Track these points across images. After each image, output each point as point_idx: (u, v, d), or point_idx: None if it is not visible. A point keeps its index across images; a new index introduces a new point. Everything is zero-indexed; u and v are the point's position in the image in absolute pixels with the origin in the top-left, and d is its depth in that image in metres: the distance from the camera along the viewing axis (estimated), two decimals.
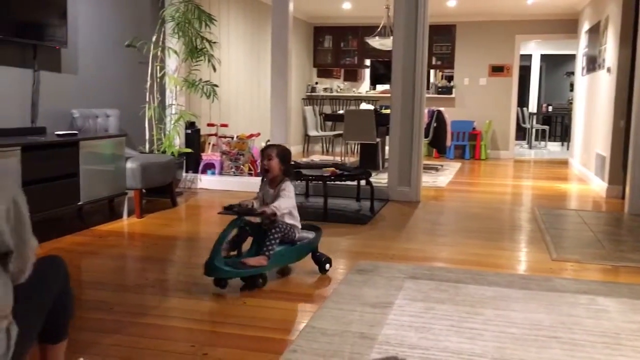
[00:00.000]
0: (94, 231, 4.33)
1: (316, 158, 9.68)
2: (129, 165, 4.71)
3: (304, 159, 9.29)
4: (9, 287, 1.52)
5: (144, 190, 4.92)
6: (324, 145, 11.03)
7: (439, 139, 8.53)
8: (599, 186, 6.63)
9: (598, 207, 5.73)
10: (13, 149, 3.60)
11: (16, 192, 1.60)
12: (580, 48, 9.09)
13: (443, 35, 10.40)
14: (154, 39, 5.63)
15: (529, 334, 2.48)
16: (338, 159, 8.98)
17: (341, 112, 9.62)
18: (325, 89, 11.39)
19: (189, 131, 6.35)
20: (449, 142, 8.97)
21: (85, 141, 4.29)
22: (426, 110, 8.16)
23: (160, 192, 5.31)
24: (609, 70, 6.51)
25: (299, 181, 5.52)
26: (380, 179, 6.53)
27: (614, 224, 4.90)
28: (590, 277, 3.36)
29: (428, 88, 10.34)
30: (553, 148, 13.11)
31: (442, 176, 7.68)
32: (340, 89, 11.73)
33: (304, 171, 5.22)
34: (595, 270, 3.52)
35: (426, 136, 8.19)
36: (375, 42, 8.72)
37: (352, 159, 9.24)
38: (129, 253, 3.86)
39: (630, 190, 5.32)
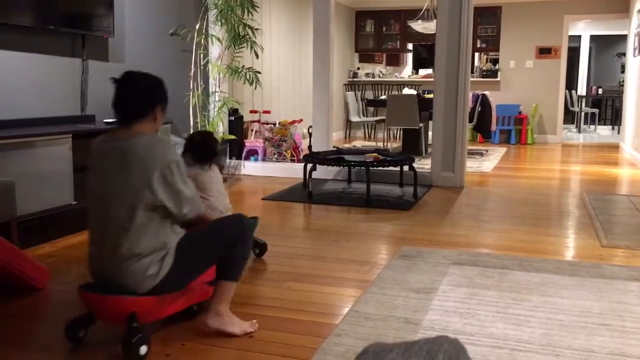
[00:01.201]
0: None
1: (358, 144, 9.65)
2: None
3: (346, 145, 9.27)
4: (161, 231, 2.11)
5: None
6: (366, 131, 10.98)
7: (483, 124, 8.38)
8: None
9: None
10: (65, 137, 3.72)
11: (169, 158, 2.09)
12: (632, 28, 8.74)
13: (488, 17, 10.16)
14: (197, 27, 5.70)
15: (578, 320, 2.43)
16: (380, 144, 8.93)
17: (383, 97, 9.55)
18: (367, 74, 11.31)
19: (232, 118, 6.42)
20: (494, 127, 8.80)
21: None
22: (470, 94, 8.02)
23: None
24: None
25: (341, 167, 5.51)
26: (423, 165, 6.47)
27: None
28: None
29: (472, 71, 10.13)
30: (603, 132, 12.70)
31: (487, 161, 7.55)
32: (382, 74, 11.62)
33: (347, 157, 5.21)
34: None
35: (470, 121, 8.06)
36: (418, 26, 8.60)
37: (395, 145, 9.18)
38: None
39: None
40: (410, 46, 11.90)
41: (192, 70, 5.70)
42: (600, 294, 2.74)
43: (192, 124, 5.76)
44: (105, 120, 4.34)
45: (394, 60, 12.21)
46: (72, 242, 3.70)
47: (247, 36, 5.79)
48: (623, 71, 11.56)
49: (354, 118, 10.32)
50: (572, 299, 2.69)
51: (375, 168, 5.00)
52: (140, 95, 2.20)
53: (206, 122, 5.86)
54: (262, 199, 5.10)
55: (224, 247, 2.24)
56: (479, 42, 10.29)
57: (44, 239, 3.70)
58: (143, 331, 2.11)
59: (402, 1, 10.37)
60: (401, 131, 8.69)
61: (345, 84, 10.94)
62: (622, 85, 10.58)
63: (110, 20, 4.68)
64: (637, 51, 8.15)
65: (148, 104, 2.19)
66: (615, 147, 9.46)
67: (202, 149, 3.01)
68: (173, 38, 5.57)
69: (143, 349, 2.09)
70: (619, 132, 10.68)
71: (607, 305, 2.61)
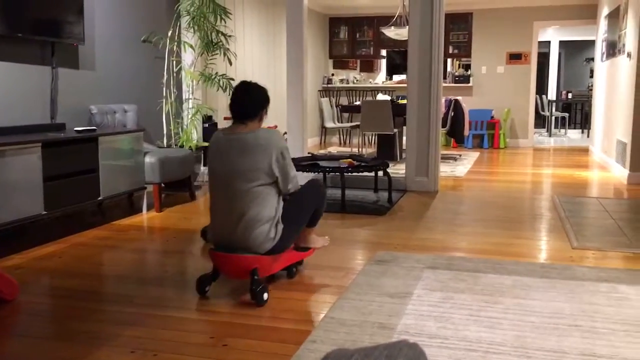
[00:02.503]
0: (114, 225, 4.38)
1: (333, 150, 9.67)
2: (148, 159, 4.76)
3: (321, 151, 9.29)
4: (273, 202, 2.74)
5: (162, 185, 4.97)
6: (341, 136, 11.02)
7: (456, 129, 8.47)
8: (620, 173, 6.54)
9: (619, 194, 5.66)
10: (34, 146, 3.65)
11: (282, 145, 2.75)
12: (600, 33, 8.94)
13: (459, 24, 10.30)
14: (169, 33, 5.66)
15: (549, 322, 2.47)
16: (355, 150, 8.97)
17: (358, 103, 9.59)
18: (341, 80, 11.36)
19: (207, 125, 6.38)
20: (466, 132, 8.90)
21: (104, 137, 4.34)
22: (443, 100, 8.09)
23: (179, 186, 5.36)
24: (629, 55, 6.40)
25: (316, 172, 5.52)
26: (398, 170, 6.51)
27: (636, 211, 4.83)
28: (612, 265, 3.32)
29: (445, 77, 10.25)
30: (573, 135, 12.93)
31: (461, 166, 7.63)
32: (357, 80, 11.68)
33: (321, 163, 5.22)
34: (616, 258, 3.48)
35: (444, 126, 8.13)
36: (391, 32, 8.67)
37: (370, 150, 9.22)
38: (149, 246, 3.90)
39: None
40: (383, 52, 11.98)
41: (165, 77, 5.66)
42: (571, 296, 2.79)
43: (165, 131, 5.71)
44: (75, 129, 4.28)
45: (368, 67, 12.29)
46: (42, 253, 3.64)
47: (220, 43, 5.77)
48: (592, 76, 11.80)
49: (329, 124, 10.34)
50: (544, 300, 2.72)
51: (349, 174, 5.02)
52: (253, 102, 2.81)
53: (180, 130, 5.82)
54: None
55: (314, 208, 2.97)
56: (451, 48, 10.41)
57: (13, 250, 3.63)
58: (264, 284, 2.73)
59: (375, 8, 10.46)
60: (376, 137, 8.74)
61: (319, 90, 10.97)
62: (591, 90, 10.80)
63: (81, 28, 4.63)
64: (604, 56, 8.33)
65: (258, 108, 2.82)
66: (585, 151, 9.64)
67: None
68: (145, 45, 5.53)
69: (265, 296, 2.72)
70: (588, 136, 10.89)
71: (578, 306, 2.65)
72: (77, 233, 4.10)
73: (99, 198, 4.31)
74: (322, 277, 3.16)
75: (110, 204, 5.04)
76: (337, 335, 2.35)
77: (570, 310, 2.60)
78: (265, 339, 2.36)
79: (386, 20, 8.94)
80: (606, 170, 7.27)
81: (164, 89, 5.66)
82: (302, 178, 3.16)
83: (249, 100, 2.81)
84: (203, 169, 6.27)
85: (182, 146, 5.64)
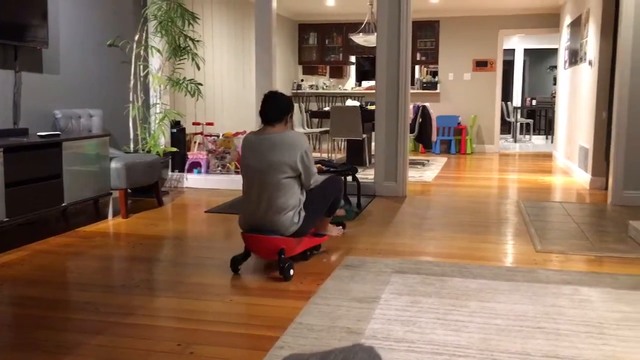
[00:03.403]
0: (79, 232, 4.30)
1: None
2: (114, 165, 4.69)
3: None
4: (297, 193, 3.24)
5: (129, 190, 4.90)
6: (311, 142, 11.03)
7: (424, 134, 8.57)
8: (582, 178, 6.70)
9: (582, 198, 5.79)
10: None
11: (306, 146, 3.24)
12: (562, 42, 9.16)
13: (427, 31, 10.44)
14: (136, 37, 5.60)
15: (514, 325, 2.51)
16: (325, 155, 8.99)
17: (327, 108, 9.62)
18: (311, 86, 11.39)
19: (174, 130, 6.32)
20: (434, 137, 9.01)
21: (68, 142, 4.26)
22: (411, 106, 8.18)
23: (146, 191, 5.30)
24: (590, 63, 6.58)
25: None
26: (367, 175, 6.55)
27: (598, 215, 4.96)
28: (574, 268, 3.40)
29: (413, 84, 10.38)
30: (537, 141, 13.21)
31: (429, 171, 7.72)
32: (326, 86, 11.73)
33: None
34: (579, 261, 3.56)
35: (412, 131, 8.22)
36: (360, 39, 8.73)
37: (339, 156, 9.25)
38: (115, 253, 3.84)
39: (613, 181, 5.38)
40: (353, 58, 12.06)
41: (132, 82, 5.59)
42: (535, 298, 2.84)
43: (132, 136, 5.64)
44: (38, 134, 4.19)
45: (338, 73, 12.35)
46: (2, 260, 3.55)
47: (188, 47, 5.74)
48: (555, 83, 12.08)
49: (298, 129, 10.34)
50: (509, 303, 2.77)
51: None
52: (279, 108, 3.29)
53: (147, 135, 5.75)
54: (206, 211, 5.04)
55: (332, 200, 3.47)
56: (418, 55, 10.54)
57: None
58: (290, 261, 3.19)
59: (344, 14, 10.52)
60: (345, 142, 8.77)
61: (289, 96, 10.96)
62: (554, 97, 11.05)
63: (45, 31, 4.55)
64: (567, 64, 8.54)
65: (284, 113, 3.30)
66: (548, 156, 9.85)
67: None
68: (112, 49, 5.46)
69: (291, 272, 3.18)
70: (552, 142, 11.14)
71: (542, 308, 2.71)
72: (40, 240, 4.02)
73: (63, 204, 4.23)
74: (291, 282, 3.15)
75: (75, 211, 4.95)
76: (305, 340, 2.35)
77: (534, 313, 2.65)
78: (233, 346, 2.35)
79: (355, 26, 9.01)
80: (569, 175, 7.44)
81: (131, 93, 5.59)
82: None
83: (276, 107, 3.28)
84: (171, 175, 6.21)
85: (149, 151, 5.57)
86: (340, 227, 3.89)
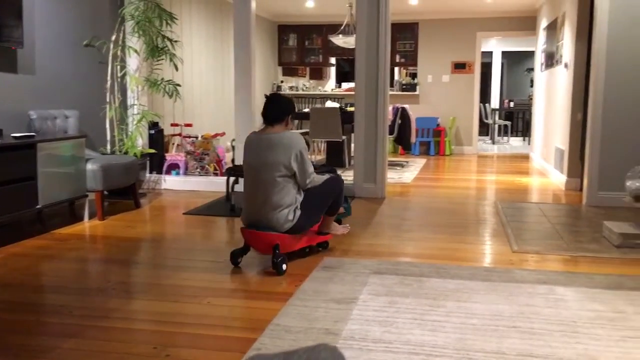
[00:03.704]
0: (54, 234, 4.24)
1: None
2: (90, 166, 4.63)
3: None
4: (293, 192, 3.35)
5: (105, 192, 4.85)
6: None
7: (403, 136, 8.62)
8: (558, 179, 6.79)
9: (557, 199, 5.87)
10: None
11: (301, 146, 3.34)
12: (539, 44, 9.28)
13: (406, 33, 10.50)
14: (113, 38, 5.55)
15: (490, 324, 2.53)
16: None
17: (307, 110, 9.63)
18: (290, 88, 11.38)
19: (152, 131, 6.27)
20: (413, 139, 9.07)
21: (43, 143, 4.20)
22: (390, 108, 8.22)
23: (123, 193, 5.24)
24: (566, 65, 6.67)
25: None
26: (346, 176, 6.56)
27: (573, 215, 5.03)
28: (550, 268, 3.44)
29: (392, 85, 10.43)
30: (515, 143, 13.36)
31: (408, 172, 7.76)
32: (306, 87, 11.73)
33: None
34: (554, 261, 3.61)
35: (391, 133, 8.27)
36: (339, 40, 8.75)
37: (319, 157, 9.26)
38: (91, 256, 3.80)
39: (588, 182, 5.47)
40: (333, 60, 12.08)
41: (109, 83, 5.54)
42: (511, 298, 2.87)
43: (109, 137, 5.59)
44: (13, 135, 4.13)
45: (317, 74, 12.36)
46: None
47: (166, 48, 5.70)
48: (532, 85, 12.22)
49: None
50: (485, 303, 2.80)
51: None
52: (280, 110, 3.43)
53: (124, 136, 5.69)
54: (184, 213, 5.01)
55: (331, 200, 3.54)
56: (398, 56, 10.60)
57: None
58: (283, 256, 3.31)
59: (324, 16, 10.54)
60: (325, 143, 8.78)
61: (290, 98, 10.93)
62: (532, 99, 11.18)
63: (20, 31, 4.48)
64: (543, 66, 8.65)
65: (284, 115, 3.43)
66: (526, 158, 9.97)
67: None
68: (88, 49, 5.40)
69: (284, 267, 3.31)
70: (529, 143, 11.27)
71: (517, 308, 2.74)
72: (14, 243, 3.95)
73: (38, 206, 4.16)
74: (269, 284, 3.14)
75: (50, 213, 4.88)
76: (282, 342, 2.35)
77: (509, 312, 2.68)
78: (210, 348, 2.33)
79: (335, 28, 9.03)
80: (545, 177, 7.54)
81: (108, 94, 5.54)
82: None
83: (277, 108, 3.43)
84: (149, 176, 6.16)
85: (126, 153, 5.52)
86: (347, 225, 3.99)
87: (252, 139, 3.47)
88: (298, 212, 3.36)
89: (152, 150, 6.01)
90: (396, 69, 11.51)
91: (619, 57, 5.28)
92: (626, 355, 2.24)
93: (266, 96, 3.53)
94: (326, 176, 3.62)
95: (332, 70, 12.80)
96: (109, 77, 5.53)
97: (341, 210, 4.12)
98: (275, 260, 3.28)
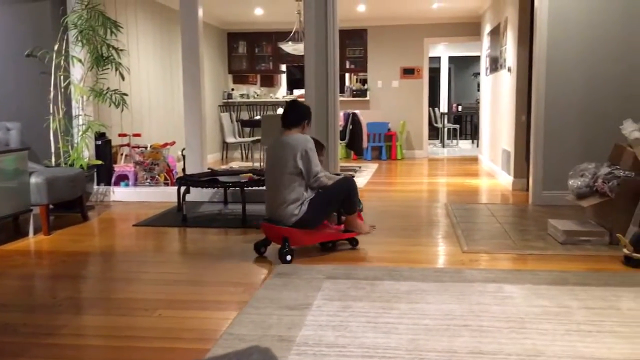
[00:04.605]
0: None
1: (235, 165, 9.59)
2: (33, 180, 4.49)
3: (223, 166, 9.19)
4: (299, 189, 3.65)
5: (51, 206, 4.70)
6: (243, 151, 10.96)
7: (355, 141, 8.70)
8: (506, 180, 6.98)
9: (505, 199, 6.03)
10: None
11: (307, 146, 3.65)
12: (484, 49, 9.54)
13: (355, 40, 10.61)
14: (56, 47, 5.40)
15: (441, 324, 2.58)
16: (257, 164, 8.95)
17: (258, 117, 9.60)
18: (241, 95, 11.32)
19: (99, 142, 6.12)
20: (365, 144, 9.16)
21: None
22: (342, 113, 8.30)
23: (70, 206, 5.10)
24: (509, 69, 6.87)
25: (216, 188, 5.47)
26: None
27: (520, 215, 5.17)
28: (498, 267, 3.53)
29: (343, 91, 10.51)
30: (464, 146, 13.66)
31: (361, 177, 7.82)
32: (257, 95, 11.70)
33: (221, 178, 5.17)
34: (502, 259, 3.70)
35: (343, 138, 8.33)
36: (289, 47, 8.77)
37: None
38: (36, 272, 3.67)
39: (533, 182, 5.63)
40: (283, 67, 12.09)
41: (52, 93, 5.39)
42: (461, 297, 2.93)
43: (53, 149, 5.42)
44: None
45: (268, 81, 12.35)
46: None
47: (112, 57, 5.58)
48: (479, 89, 12.54)
49: (230, 139, 10.27)
50: (437, 303, 2.84)
51: (250, 188, 4.99)
52: (297, 115, 3.82)
53: (69, 148, 5.54)
54: (134, 225, 4.90)
55: (342, 200, 3.78)
56: (347, 63, 10.70)
57: None
58: (289, 248, 3.61)
59: (273, 23, 10.54)
60: None
61: (220, 105, 10.87)
62: (479, 103, 11.47)
63: None
64: (488, 71, 8.89)
65: (300, 120, 3.82)
66: (474, 160, 10.21)
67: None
68: (30, 59, 5.24)
69: (288, 257, 3.61)
70: (477, 146, 11.55)
71: (468, 307, 2.79)
72: None
73: None
74: (221, 293, 3.11)
75: None
76: None
77: (460, 311, 2.73)
78: None
79: (284, 35, 9.04)
80: (494, 178, 7.73)
81: (51, 105, 5.38)
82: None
83: (295, 114, 3.82)
84: (96, 188, 6.01)
85: (72, 165, 5.37)
86: (374, 225, 4.19)
87: (272, 142, 3.89)
88: (304, 208, 3.64)
89: (99, 162, 5.86)
90: (346, 75, 11.61)
91: (558, 60, 5.47)
92: (571, 348, 2.32)
93: (287, 102, 3.95)
94: (338, 177, 3.91)
95: (283, 78, 12.81)
96: (52, 88, 5.38)
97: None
98: (280, 250, 3.62)
